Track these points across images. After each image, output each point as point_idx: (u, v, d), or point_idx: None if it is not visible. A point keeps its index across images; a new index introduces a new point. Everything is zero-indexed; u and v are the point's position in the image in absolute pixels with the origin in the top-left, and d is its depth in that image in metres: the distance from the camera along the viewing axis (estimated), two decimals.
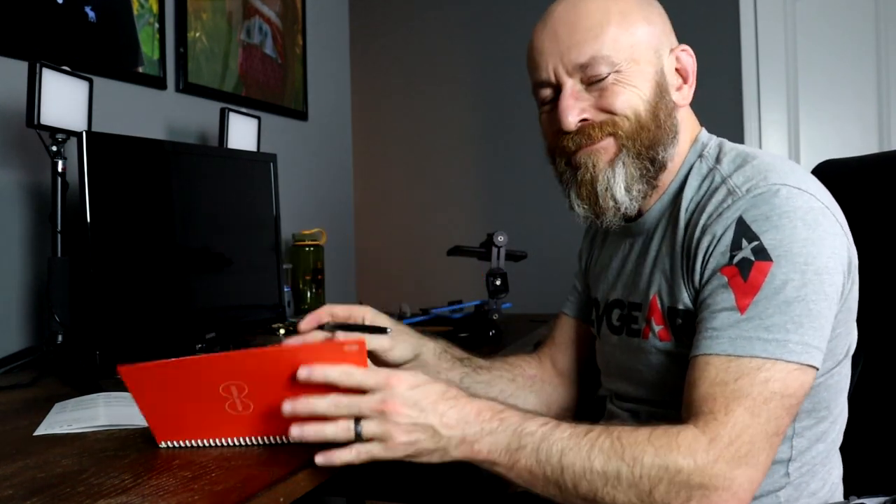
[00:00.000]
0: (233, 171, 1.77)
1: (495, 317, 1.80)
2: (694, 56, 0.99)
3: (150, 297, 1.49)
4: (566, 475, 0.78)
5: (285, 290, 2.21)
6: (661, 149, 0.94)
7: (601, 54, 0.92)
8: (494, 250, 1.98)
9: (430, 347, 1.07)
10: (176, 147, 1.72)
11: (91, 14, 1.85)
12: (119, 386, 1.27)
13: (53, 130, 1.49)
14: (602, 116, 0.93)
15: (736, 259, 0.84)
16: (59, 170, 1.50)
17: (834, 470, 0.97)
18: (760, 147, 3.03)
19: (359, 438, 0.79)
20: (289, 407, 0.80)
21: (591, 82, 0.93)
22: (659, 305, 0.95)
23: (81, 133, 1.37)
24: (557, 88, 0.95)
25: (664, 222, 0.98)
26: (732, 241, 0.85)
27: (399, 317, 2.21)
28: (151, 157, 1.54)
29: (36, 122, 1.43)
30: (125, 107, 1.97)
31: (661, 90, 0.95)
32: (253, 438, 0.89)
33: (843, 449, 0.98)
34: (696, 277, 0.89)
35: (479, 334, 1.78)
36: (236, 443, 0.89)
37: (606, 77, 0.92)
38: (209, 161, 1.73)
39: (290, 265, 2.39)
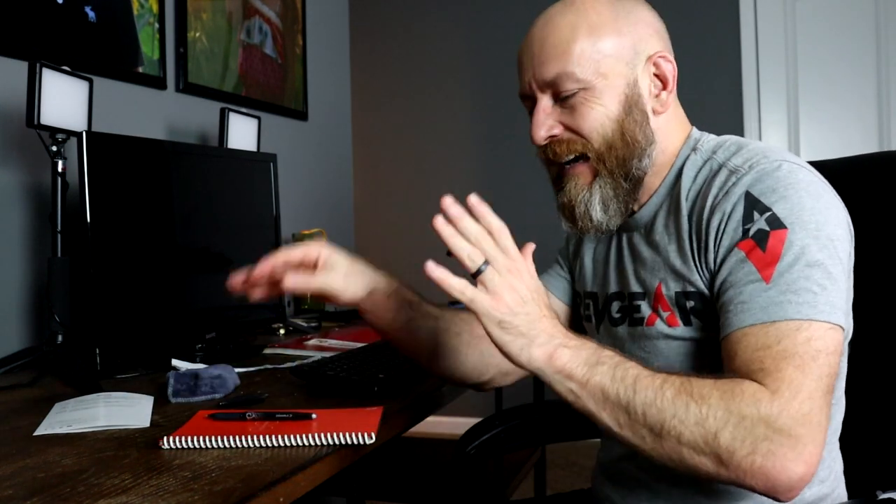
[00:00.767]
0: (233, 171, 1.77)
1: None
2: (674, 62, 0.99)
3: (150, 297, 1.49)
4: (637, 399, 0.79)
5: None
6: (634, 162, 0.97)
7: (566, 71, 0.93)
8: None
9: (382, 285, 1.06)
10: (176, 147, 1.72)
11: (91, 14, 1.85)
12: (119, 386, 1.27)
13: (53, 130, 1.49)
14: (569, 135, 0.96)
15: (751, 232, 0.85)
16: (59, 170, 1.50)
17: (836, 460, 0.97)
18: None
19: (476, 277, 0.83)
20: (448, 200, 0.83)
21: (561, 98, 0.96)
22: (665, 292, 0.96)
23: (81, 133, 1.37)
24: (534, 101, 0.98)
25: (663, 214, 0.99)
26: (744, 215, 0.86)
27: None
28: (151, 157, 1.54)
29: (36, 122, 1.43)
30: (125, 107, 1.97)
31: (630, 104, 0.96)
32: (253, 439, 0.89)
33: (867, 442, 0.98)
34: (711, 258, 0.90)
35: None
36: (236, 443, 0.89)
37: (575, 94, 0.94)
38: (209, 161, 1.73)
39: None
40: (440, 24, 3.40)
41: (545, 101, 0.97)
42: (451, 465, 2.05)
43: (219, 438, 0.89)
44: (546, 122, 0.96)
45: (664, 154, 0.99)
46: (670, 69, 0.98)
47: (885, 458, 1.05)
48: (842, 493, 0.96)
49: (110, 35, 1.91)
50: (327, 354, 1.43)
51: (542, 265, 0.96)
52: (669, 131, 1.00)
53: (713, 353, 0.92)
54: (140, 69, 2.03)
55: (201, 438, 0.89)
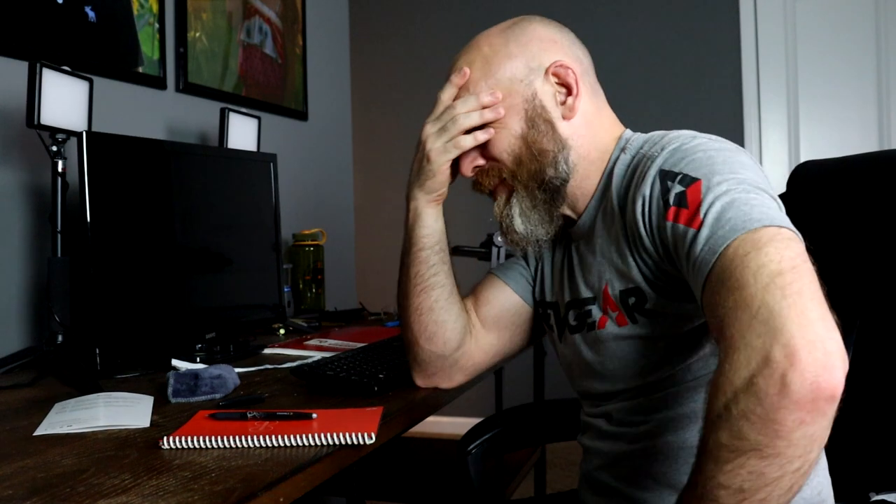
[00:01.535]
0: (233, 171, 1.77)
1: None
2: (574, 66, 1.02)
3: (150, 297, 1.49)
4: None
5: (285, 290, 2.21)
6: (548, 170, 1.01)
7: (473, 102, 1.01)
8: (494, 250, 1.98)
9: (444, 230, 1.13)
10: (176, 147, 1.72)
11: (91, 14, 1.85)
12: (119, 386, 1.27)
13: (53, 130, 1.49)
14: (490, 163, 1.04)
15: (671, 200, 0.86)
16: (59, 170, 1.50)
17: (821, 458, 0.97)
18: (760, 147, 3.04)
19: None
20: None
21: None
22: (611, 293, 0.97)
23: (81, 133, 1.37)
24: None
25: (601, 216, 1.01)
26: (661, 191, 0.88)
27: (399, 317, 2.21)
28: (151, 157, 1.54)
29: (36, 122, 1.43)
30: (125, 107, 1.97)
31: (532, 117, 1.01)
32: (253, 439, 0.89)
33: (861, 444, 0.98)
34: (647, 243, 0.90)
35: None
36: (236, 443, 0.89)
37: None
38: (209, 161, 1.73)
39: (290, 265, 2.39)
40: (440, 24, 3.40)
41: None
42: (455, 465, 2.05)
43: (219, 438, 0.89)
44: (468, 156, 1.05)
45: (589, 158, 1.02)
46: (570, 75, 1.01)
47: (877, 460, 1.05)
48: (822, 481, 0.96)
49: (110, 35, 1.91)
50: (327, 354, 1.43)
51: None
52: (592, 135, 1.03)
53: (663, 349, 0.95)
54: (140, 69, 2.03)
55: (201, 438, 0.89)
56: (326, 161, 3.15)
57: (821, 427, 0.68)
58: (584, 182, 1.02)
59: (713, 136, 0.93)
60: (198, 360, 1.48)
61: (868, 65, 2.93)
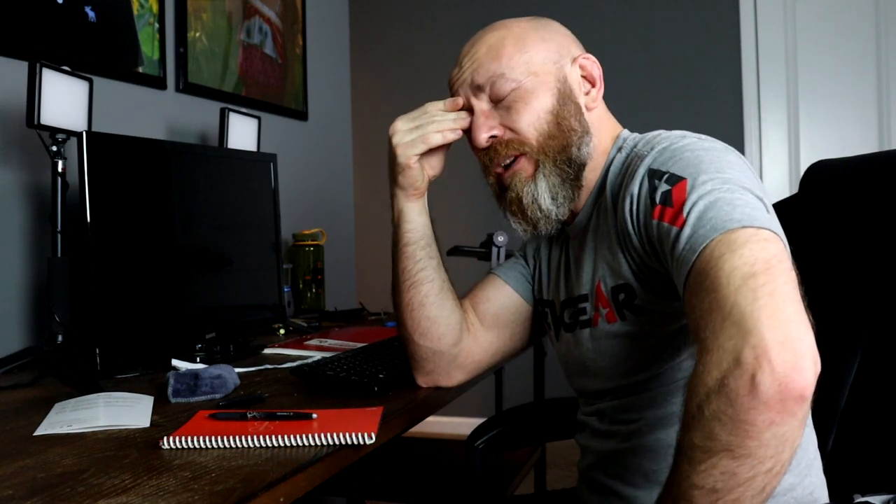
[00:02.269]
0: (233, 171, 1.77)
1: None
2: (597, 62, 1.05)
3: (150, 296, 1.49)
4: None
5: (285, 290, 2.21)
6: (573, 149, 1.00)
7: (499, 73, 1.00)
8: (494, 250, 1.98)
9: (429, 224, 1.13)
10: (176, 147, 1.72)
11: (91, 14, 1.85)
12: (119, 386, 1.27)
13: (53, 130, 1.49)
14: (509, 135, 1.01)
15: (657, 198, 0.87)
16: (59, 170, 1.50)
17: (806, 449, 0.97)
18: (760, 147, 3.04)
19: None
20: None
21: (496, 101, 1.01)
22: (604, 290, 0.98)
23: (81, 133, 1.37)
24: (472, 111, 1.04)
25: (595, 214, 1.02)
26: (649, 189, 0.88)
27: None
28: (151, 157, 1.54)
29: (36, 122, 1.43)
30: (125, 107, 1.97)
31: (563, 97, 1.01)
32: (253, 439, 0.89)
33: (846, 446, 0.98)
34: (634, 240, 0.91)
35: None
36: (236, 443, 0.89)
37: (509, 94, 1.00)
38: (209, 161, 1.73)
39: (290, 265, 2.39)
40: (440, 25, 3.40)
41: (482, 105, 1.02)
42: (460, 462, 2.05)
43: (219, 438, 0.88)
44: (486, 124, 1.02)
45: (597, 152, 1.03)
46: (596, 69, 1.04)
47: (863, 461, 1.05)
48: (815, 481, 0.96)
49: (110, 35, 1.91)
50: (327, 354, 1.43)
51: None
52: (601, 130, 1.04)
53: (652, 347, 0.95)
54: (140, 69, 2.03)
55: (201, 438, 0.89)
56: (326, 161, 3.15)
57: (791, 427, 0.69)
58: (588, 176, 1.03)
59: (703, 136, 0.94)
60: (198, 360, 1.48)
61: (868, 65, 2.92)
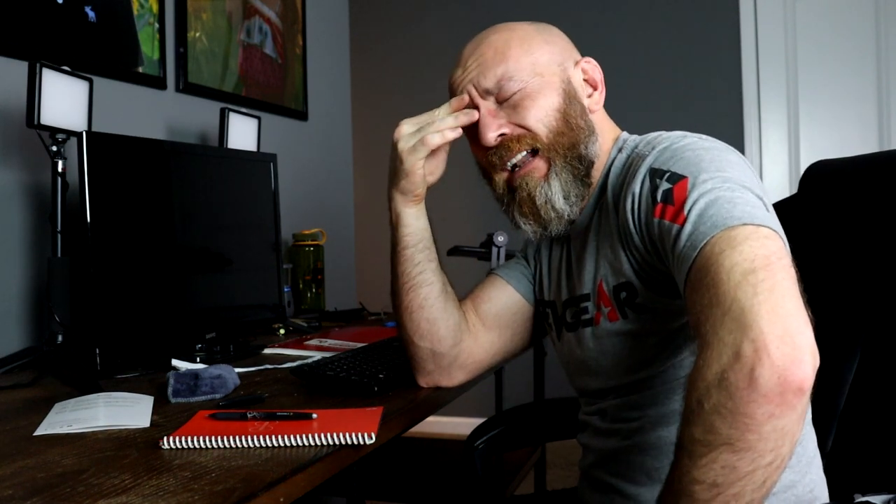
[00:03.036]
0: (233, 171, 1.77)
1: None
2: (598, 65, 1.07)
3: (150, 296, 1.49)
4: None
5: (285, 290, 2.21)
6: (582, 147, 1.01)
7: (507, 76, 1.00)
8: (494, 250, 1.98)
9: (428, 228, 1.12)
10: (176, 147, 1.72)
11: (91, 14, 1.85)
12: (119, 386, 1.27)
13: (53, 130, 1.49)
14: (519, 131, 1.01)
15: (659, 196, 0.87)
16: (59, 170, 1.50)
17: (806, 447, 0.97)
18: (760, 147, 3.04)
19: None
20: None
21: (502, 101, 1.01)
22: (605, 289, 0.99)
23: (81, 133, 1.37)
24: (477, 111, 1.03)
25: (596, 214, 1.03)
26: (650, 188, 0.89)
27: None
28: (151, 157, 1.54)
29: (36, 122, 1.43)
30: (125, 107, 1.97)
31: (569, 96, 1.02)
32: (253, 439, 0.89)
33: (846, 445, 0.98)
34: (636, 239, 0.92)
35: None
36: (236, 443, 0.89)
37: (515, 94, 1.00)
38: (209, 161, 1.73)
39: (290, 265, 2.39)
40: (440, 24, 3.40)
41: (488, 106, 1.02)
42: (460, 461, 2.06)
43: (219, 438, 0.88)
44: (494, 122, 1.01)
45: (600, 152, 1.04)
46: (598, 73, 1.06)
47: (863, 461, 1.05)
48: (815, 479, 0.97)
49: (110, 35, 1.91)
50: (327, 354, 1.43)
51: None
52: (602, 131, 1.05)
53: (654, 345, 0.96)
54: (140, 69, 2.03)
55: (201, 438, 0.89)
56: (326, 161, 3.15)
57: (790, 421, 0.69)
58: (594, 174, 1.04)
59: (703, 136, 0.94)
60: (198, 360, 1.48)
61: (868, 65, 2.92)
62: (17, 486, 0.78)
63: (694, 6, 3.08)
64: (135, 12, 2.01)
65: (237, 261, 1.74)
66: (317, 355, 1.51)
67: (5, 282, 1.62)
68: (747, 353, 0.69)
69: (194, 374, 1.18)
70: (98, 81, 1.66)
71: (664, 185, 0.87)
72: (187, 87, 2.21)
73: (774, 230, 0.80)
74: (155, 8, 2.08)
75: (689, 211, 0.83)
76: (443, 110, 1.04)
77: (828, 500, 0.97)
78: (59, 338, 1.48)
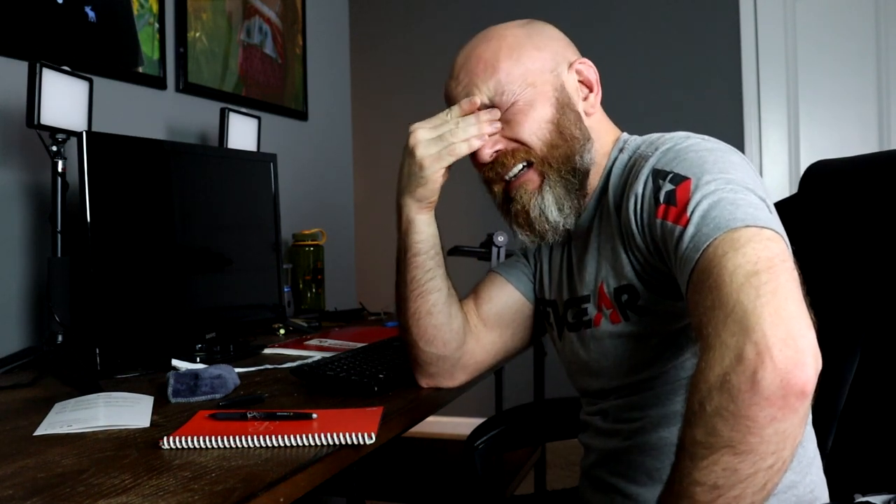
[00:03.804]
0: (233, 171, 1.77)
1: None
2: (594, 66, 1.05)
3: (150, 296, 1.49)
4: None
5: (285, 290, 2.21)
6: (577, 158, 1.01)
7: (497, 89, 0.99)
8: (494, 250, 1.98)
9: (437, 234, 1.11)
10: (176, 147, 1.72)
11: (91, 14, 1.85)
12: (119, 386, 1.27)
13: (53, 130, 1.49)
14: (513, 145, 1.01)
15: (661, 197, 0.87)
16: (59, 170, 1.50)
17: (807, 447, 0.97)
18: (760, 147, 3.04)
19: None
20: None
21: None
22: (606, 290, 0.98)
23: (81, 133, 1.37)
24: None
25: (597, 216, 1.03)
26: (653, 189, 0.89)
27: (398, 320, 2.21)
28: (151, 157, 1.54)
29: (36, 122, 1.43)
30: (125, 107, 1.97)
31: (562, 105, 1.01)
32: (253, 439, 0.89)
33: (846, 445, 0.98)
34: (638, 240, 0.92)
35: None
36: (236, 443, 0.89)
37: (508, 109, 1.00)
38: (209, 161, 1.73)
39: (290, 265, 2.39)
40: (440, 24, 3.40)
41: None
42: (460, 461, 2.06)
43: (219, 438, 0.88)
44: (489, 140, 1.01)
45: (598, 155, 1.04)
46: (592, 73, 1.05)
47: (863, 461, 1.05)
48: (815, 479, 0.97)
49: (110, 35, 1.91)
50: (327, 354, 1.43)
51: None
52: (601, 133, 1.05)
53: (655, 346, 0.96)
54: (140, 69, 2.03)
55: (201, 438, 0.89)
56: (326, 161, 3.15)
57: (792, 424, 0.69)
58: (590, 180, 1.04)
59: (706, 137, 0.94)
60: (198, 360, 1.48)
61: (868, 65, 2.92)
62: (17, 486, 0.78)
63: (694, 6, 3.08)
64: (135, 12, 2.01)
65: (237, 261, 1.74)
66: (317, 355, 1.51)
67: (5, 282, 1.62)
68: (750, 356, 0.69)
69: (194, 374, 1.18)
70: (98, 81, 1.66)
71: (667, 186, 0.87)
72: (187, 87, 2.21)
73: (777, 232, 0.80)
74: (155, 8, 2.08)
75: (692, 212, 0.82)
76: (454, 113, 1.01)
77: (828, 501, 0.97)
78: (59, 338, 1.48)
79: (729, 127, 3.03)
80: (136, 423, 1.01)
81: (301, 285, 2.39)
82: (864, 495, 0.97)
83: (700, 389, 0.72)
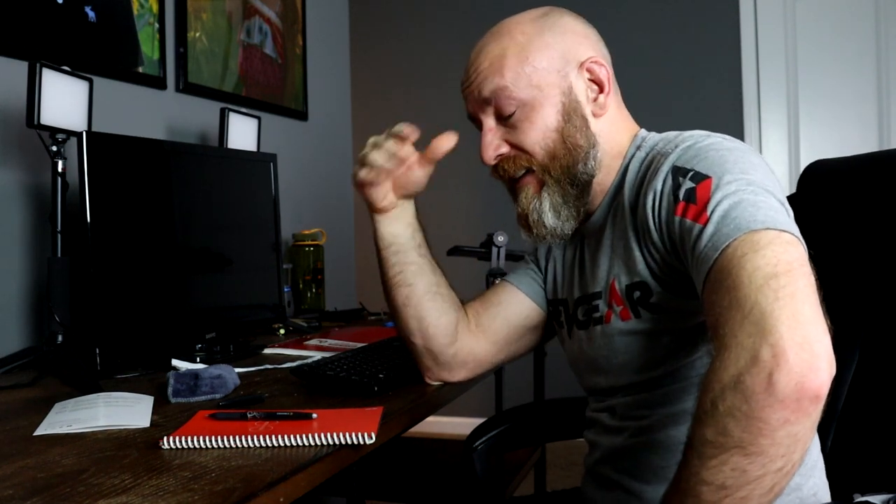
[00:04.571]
0: (233, 171, 1.77)
1: None
2: (606, 64, 1.04)
3: (150, 296, 1.49)
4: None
5: (285, 290, 2.21)
6: (578, 167, 1.01)
7: (501, 86, 0.99)
8: (494, 250, 1.98)
9: (418, 233, 1.16)
10: (176, 147, 1.72)
11: (91, 14, 1.85)
12: (119, 386, 1.27)
13: (53, 130, 1.49)
14: (515, 152, 1.02)
15: (681, 195, 0.87)
16: (59, 170, 1.50)
17: (810, 451, 0.97)
18: (760, 147, 3.03)
19: None
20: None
21: (502, 117, 1.01)
22: (618, 287, 0.98)
23: (81, 133, 1.37)
24: (480, 123, 1.05)
25: (611, 213, 1.02)
26: (672, 186, 0.89)
27: None
28: (151, 157, 1.54)
29: (36, 122, 1.43)
30: (125, 107, 1.97)
31: (568, 111, 1.00)
32: (253, 439, 0.89)
33: (845, 445, 0.98)
34: (655, 237, 0.91)
35: None
36: (236, 443, 0.89)
37: (514, 113, 1.00)
38: (209, 161, 1.73)
39: (290, 265, 2.39)
40: (440, 24, 3.40)
41: (489, 122, 1.03)
42: (458, 463, 2.06)
43: (219, 438, 0.88)
44: (493, 143, 1.02)
45: (610, 155, 1.03)
46: (604, 72, 1.03)
47: (863, 461, 1.05)
48: (818, 483, 0.97)
49: (110, 35, 1.91)
50: (327, 354, 1.43)
51: None
52: (614, 133, 1.04)
53: (667, 345, 0.95)
54: (140, 69, 2.03)
55: (201, 438, 0.89)
56: (326, 161, 3.15)
57: (804, 427, 0.69)
58: (602, 179, 1.03)
59: (726, 136, 0.94)
60: (198, 360, 1.48)
61: (868, 65, 2.93)
62: (17, 486, 0.78)
63: (694, 6, 3.08)
64: (135, 12, 2.01)
65: (237, 261, 1.74)
66: (317, 355, 1.51)
67: (5, 282, 1.62)
68: (766, 358, 0.69)
69: (194, 374, 1.18)
70: (98, 81, 1.66)
71: (687, 184, 0.87)
72: (187, 87, 2.21)
73: (796, 237, 0.80)
74: (155, 8, 2.08)
75: (713, 212, 0.82)
76: (383, 135, 1.11)
77: (830, 501, 0.97)
78: (59, 338, 1.48)
79: (729, 127, 3.02)
80: (136, 423, 1.01)
81: (301, 285, 2.39)
82: (863, 495, 0.97)
83: (713, 389, 0.72)
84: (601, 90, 1.03)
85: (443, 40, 3.33)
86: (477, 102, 1.02)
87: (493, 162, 1.03)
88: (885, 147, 2.91)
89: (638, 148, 1.02)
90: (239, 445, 0.88)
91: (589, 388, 1.11)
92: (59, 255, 1.49)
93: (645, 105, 3.12)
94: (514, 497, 1.70)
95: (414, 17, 3.46)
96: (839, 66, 2.95)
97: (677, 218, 0.86)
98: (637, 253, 0.95)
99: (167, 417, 1.05)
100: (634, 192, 0.97)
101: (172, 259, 1.55)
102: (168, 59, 2.15)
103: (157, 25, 2.09)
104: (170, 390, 1.16)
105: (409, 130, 1.10)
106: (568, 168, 1.00)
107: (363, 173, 1.13)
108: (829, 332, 0.72)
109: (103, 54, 1.89)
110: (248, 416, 0.97)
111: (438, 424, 2.93)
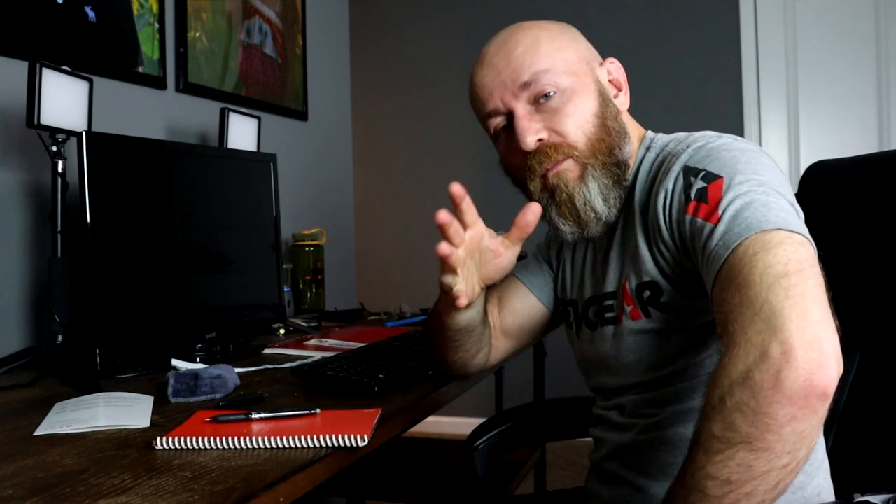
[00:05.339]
0: (233, 171, 1.77)
1: None
2: (622, 66, 1.06)
3: (150, 297, 1.49)
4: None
5: (285, 290, 2.21)
6: (617, 150, 1.00)
7: (540, 69, 0.98)
8: None
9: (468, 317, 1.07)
10: (176, 147, 1.72)
11: (91, 14, 1.85)
12: (119, 386, 1.27)
13: (53, 130, 1.49)
14: (556, 138, 0.99)
15: (692, 194, 0.88)
16: (59, 170, 1.50)
17: (816, 451, 0.97)
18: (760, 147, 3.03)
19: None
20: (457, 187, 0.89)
21: (539, 102, 0.99)
22: (628, 287, 0.98)
23: (81, 133, 1.37)
24: (509, 115, 1.01)
25: (623, 213, 1.02)
26: (684, 185, 0.89)
27: (399, 317, 2.21)
28: (151, 157, 1.54)
29: (36, 122, 1.43)
30: (125, 107, 1.97)
31: (604, 98, 1.01)
32: (250, 440, 0.89)
33: (846, 445, 0.98)
34: (665, 236, 0.92)
35: None
36: (231, 444, 0.89)
37: (552, 97, 0.98)
38: (209, 161, 1.73)
39: (290, 265, 2.39)
40: (440, 24, 3.40)
41: (524, 108, 0.99)
42: (459, 463, 2.06)
43: (217, 439, 0.88)
44: (532, 127, 0.99)
45: (631, 155, 1.03)
46: (622, 74, 1.05)
47: (863, 461, 1.05)
48: (822, 483, 0.97)
49: (110, 35, 1.92)
50: (327, 354, 1.43)
51: None
52: (630, 131, 1.05)
53: (676, 343, 0.96)
54: (140, 69, 2.03)
55: (195, 439, 0.88)
56: (326, 161, 3.15)
57: (811, 425, 0.70)
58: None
59: (737, 137, 0.95)
60: (198, 360, 1.48)
61: (868, 65, 2.93)
62: (17, 486, 0.78)
63: (694, 6, 3.09)
64: (135, 12, 2.01)
65: (237, 261, 1.74)
66: (317, 355, 1.51)
67: (5, 282, 1.62)
68: (775, 355, 0.70)
69: (194, 374, 1.18)
70: (98, 81, 1.66)
71: (699, 184, 0.87)
72: (187, 87, 2.21)
73: (806, 238, 0.81)
74: (155, 8, 2.08)
75: (724, 211, 0.83)
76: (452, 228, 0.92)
77: (831, 501, 0.97)
78: (59, 338, 1.48)
79: (729, 127, 3.02)
80: (136, 423, 1.01)
81: (301, 285, 2.39)
82: (863, 495, 0.97)
83: (721, 384, 0.73)
84: (619, 90, 1.05)
85: (443, 40, 3.33)
86: (508, 91, 0.99)
87: (532, 147, 0.99)
88: (885, 147, 2.91)
89: (648, 149, 1.03)
90: (239, 446, 0.88)
91: (597, 388, 1.11)
92: (59, 255, 1.49)
93: (645, 105, 3.11)
94: (514, 496, 1.69)
95: (414, 17, 3.46)
96: (839, 66, 2.95)
97: (688, 217, 0.87)
98: (646, 253, 0.95)
99: (167, 417, 1.05)
100: (645, 192, 0.98)
101: (172, 259, 1.55)
102: (168, 59, 2.15)
103: (157, 25, 2.09)
104: (170, 390, 1.16)
105: (459, 194, 0.93)
106: (611, 150, 0.99)
107: (459, 287, 0.95)
108: (838, 331, 0.72)
109: (103, 54, 1.89)
110: (249, 416, 0.97)
111: (438, 424, 2.94)
